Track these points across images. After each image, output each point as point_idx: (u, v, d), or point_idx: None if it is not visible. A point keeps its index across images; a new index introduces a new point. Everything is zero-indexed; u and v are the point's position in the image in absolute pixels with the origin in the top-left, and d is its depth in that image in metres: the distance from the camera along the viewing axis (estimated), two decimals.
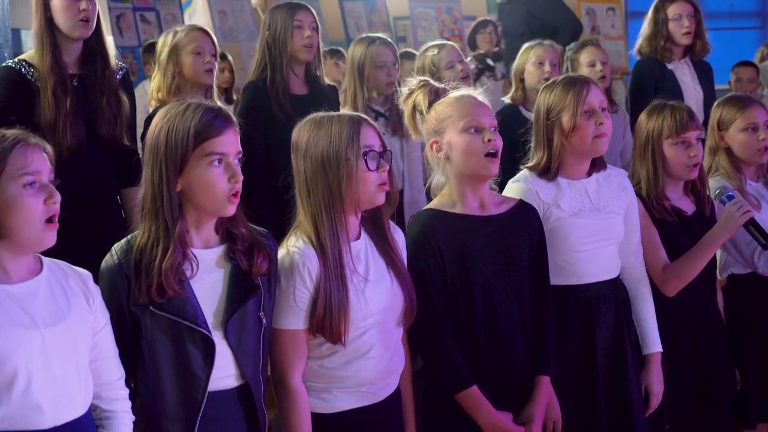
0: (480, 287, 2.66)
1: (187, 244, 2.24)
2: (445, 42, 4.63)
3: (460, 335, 2.65)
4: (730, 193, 3.14)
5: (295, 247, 2.42)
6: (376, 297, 2.46)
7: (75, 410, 2.08)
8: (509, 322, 2.70)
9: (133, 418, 2.24)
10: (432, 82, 2.76)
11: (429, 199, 2.80)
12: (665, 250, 3.15)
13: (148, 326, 2.22)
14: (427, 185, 2.79)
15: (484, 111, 2.66)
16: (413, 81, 2.77)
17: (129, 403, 2.24)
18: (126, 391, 2.24)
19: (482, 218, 2.69)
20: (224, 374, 2.28)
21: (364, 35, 4.45)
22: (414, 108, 2.74)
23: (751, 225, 3.07)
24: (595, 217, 2.94)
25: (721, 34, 8.54)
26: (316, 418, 2.46)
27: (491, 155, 2.62)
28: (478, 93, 2.72)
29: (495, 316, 2.67)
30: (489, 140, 2.61)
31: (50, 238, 2.06)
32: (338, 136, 2.41)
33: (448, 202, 2.70)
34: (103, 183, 3.43)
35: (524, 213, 2.78)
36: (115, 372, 2.22)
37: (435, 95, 2.72)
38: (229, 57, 6.19)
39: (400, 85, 2.91)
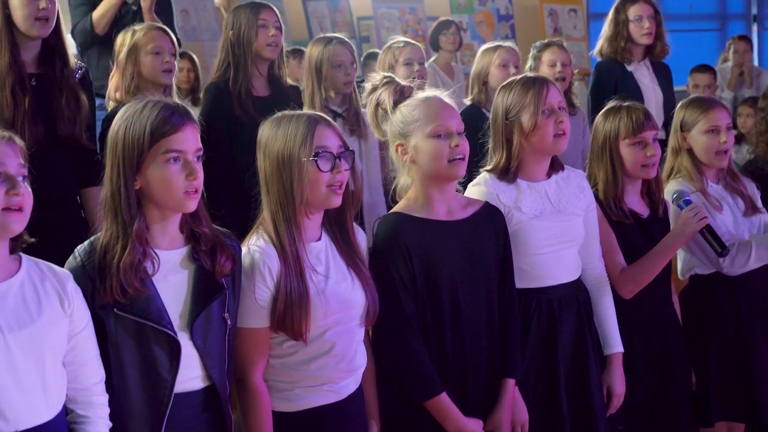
0: (447, 291, 2.65)
1: (147, 242, 2.23)
2: (412, 41, 4.65)
3: (427, 340, 2.64)
4: (687, 198, 3.16)
5: (256, 245, 2.42)
6: (337, 296, 2.47)
7: (40, 416, 2.06)
8: (476, 326, 2.69)
9: (110, 424, 2.22)
10: (397, 79, 2.74)
11: (393, 200, 2.79)
12: (622, 252, 3.17)
13: (113, 328, 2.21)
14: (393, 187, 2.78)
15: (451, 114, 2.65)
16: (377, 77, 2.76)
17: (107, 410, 2.22)
18: (105, 397, 2.22)
19: (450, 222, 2.69)
20: (190, 376, 2.28)
21: (322, 35, 4.45)
22: (377, 105, 2.72)
23: (707, 231, 3.09)
24: (556, 219, 2.95)
25: (681, 36, 8.63)
26: (278, 416, 2.46)
27: (459, 159, 2.61)
28: (444, 95, 2.71)
29: (462, 320, 2.67)
30: (456, 146, 2.60)
31: (12, 227, 2.03)
32: (293, 135, 2.41)
33: (415, 206, 2.69)
34: (63, 183, 3.39)
35: (490, 216, 2.78)
36: (94, 376, 2.20)
37: (400, 94, 2.70)
38: (195, 57, 6.16)
39: (362, 82, 2.90)
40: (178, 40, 4.58)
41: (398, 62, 4.36)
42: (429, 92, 2.70)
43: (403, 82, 2.73)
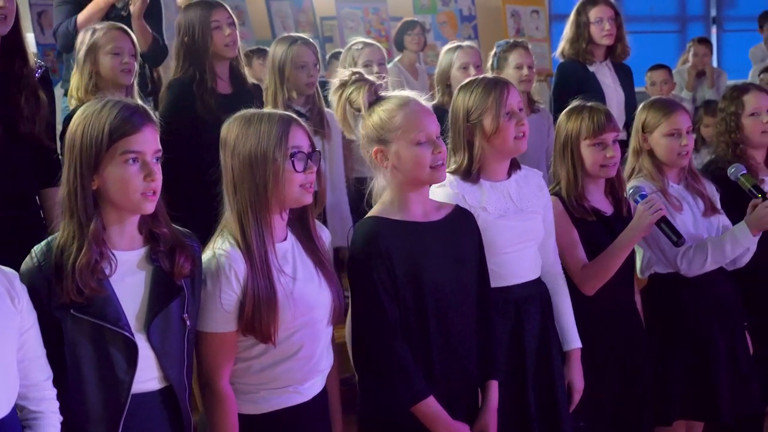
0: (432, 294, 2.62)
1: (104, 242, 2.21)
2: (374, 42, 4.65)
3: (412, 343, 2.60)
4: (643, 193, 3.19)
5: (221, 249, 2.39)
6: (305, 296, 2.46)
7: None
8: (461, 328, 2.68)
9: (61, 418, 2.21)
10: (367, 76, 2.69)
11: (368, 202, 2.76)
12: (586, 250, 3.19)
13: (70, 330, 2.19)
14: (368, 189, 2.74)
15: (431, 119, 2.62)
16: (345, 72, 2.71)
17: (57, 404, 2.21)
18: (54, 392, 2.21)
19: (428, 224, 2.67)
20: (148, 377, 2.26)
21: (286, 34, 4.43)
22: (348, 103, 2.68)
23: (663, 223, 3.12)
24: (519, 218, 2.96)
25: (642, 38, 8.71)
26: (244, 419, 2.45)
27: (439, 165, 2.60)
28: (422, 98, 2.68)
29: (447, 322, 2.64)
30: (438, 152, 2.58)
31: None
32: (267, 135, 2.39)
33: (391, 209, 2.65)
34: (22, 182, 3.36)
35: (463, 217, 2.77)
36: (43, 372, 2.19)
37: (374, 93, 2.66)
38: None
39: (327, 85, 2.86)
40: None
41: (357, 64, 4.33)
42: (404, 95, 2.66)
43: (373, 79, 2.69)
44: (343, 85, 2.69)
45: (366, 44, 4.51)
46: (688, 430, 3.55)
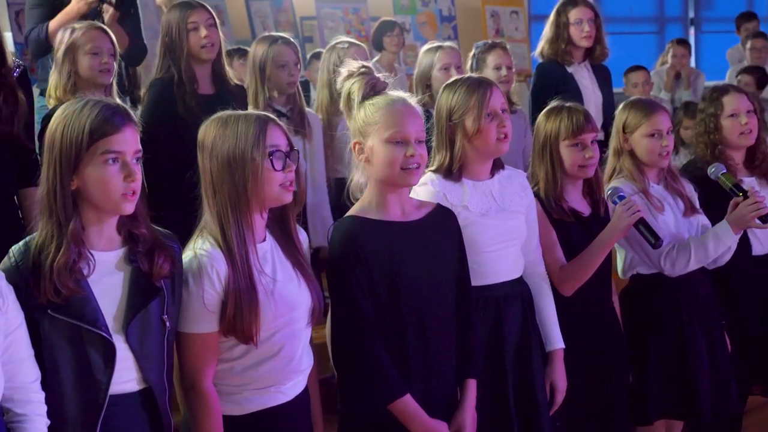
0: (408, 293, 2.62)
1: (82, 242, 2.19)
2: (356, 42, 4.64)
3: (389, 342, 2.60)
4: (622, 194, 3.21)
5: (202, 249, 2.39)
6: (286, 297, 2.46)
7: None
8: (438, 326, 2.68)
9: (48, 422, 2.19)
10: (375, 72, 2.69)
11: (348, 198, 2.76)
12: (564, 250, 3.20)
13: (47, 330, 2.18)
14: (347, 184, 2.75)
15: (413, 121, 2.60)
16: (354, 64, 2.71)
17: (44, 407, 2.19)
18: (42, 395, 2.19)
19: (406, 224, 2.67)
20: (126, 378, 2.25)
21: (267, 34, 4.42)
22: (349, 95, 2.67)
23: (641, 225, 3.13)
24: (501, 217, 2.96)
25: (621, 39, 8.75)
26: (227, 420, 2.44)
27: (412, 168, 2.58)
28: (412, 99, 2.67)
29: (424, 320, 2.64)
30: (411, 155, 2.56)
31: None
32: (244, 135, 2.38)
33: (369, 208, 2.65)
34: (0, 182, 3.34)
35: (444, 216, 2.77)
36: (30, 374, 2.17)
37: (371, 88, 2.65)
38: None
39: (309, 85, 2.86)
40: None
41: (343, 63, 4.32)
42: (397, 94, 2.66)
43: (380, 77, 2.69)
44: (350, 76, 2.69)
45: (351, 44, 4.51)
46: (668, 430, 3.58)
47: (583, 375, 3.19)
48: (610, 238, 3.16)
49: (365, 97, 2.64)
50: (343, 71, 2.71)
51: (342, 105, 2.73)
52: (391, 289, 2.60)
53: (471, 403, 2.76)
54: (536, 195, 3.19)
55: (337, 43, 4.51)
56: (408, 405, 2.59)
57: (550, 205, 3.20)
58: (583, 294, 3.20)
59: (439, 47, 4.60)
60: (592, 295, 3.24)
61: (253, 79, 4.20)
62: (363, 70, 2.68)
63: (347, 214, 2.69)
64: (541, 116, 3.30)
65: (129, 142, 2.22)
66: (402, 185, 2.65)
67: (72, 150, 2.17)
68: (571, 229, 3.21)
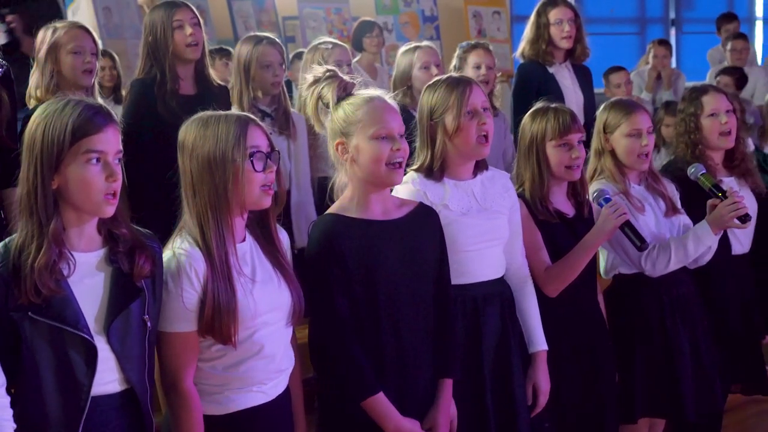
0: (385, 291, 2.63)
1: (63, 243, 2.18)
2: (339, 42, 4.64)
3: (364, 340, 2.61)
4: (607, 196, 3.22)
5: (180, 248, 2.39)
6: (264, 298, 2.45)
7: None
8: (415, 326, 2.69)
9: (14, 426, 2.17)
10: (340, 74, 2.71)
11: (331, 198, 2.76)
12: (549, 251, 3.20)
13: (28, 332, 2.16)
14: (330, 184, 2.76)
15: (394, 117, 2.63)
16: (319, 69, 2.72)
17: (10, 411, 2.17)
18: (7, 399, 2.17)
19: (386, 222, 2.67)
20: (107, 379, 2.24)
21: (252, 34, 4.42)
22: (318, 99, 2.69)
23: (627, 227, 3.15)
24: (483, 217, 2.97)
25: (602, 39, 8.78)
26: (209, 420, 2.44)
27: (398, 164, 2.61)
28: (388, 96, 2.69)
29: (400, 319, 2.65)
30: (397, 149, 2.59)
31: None
32: (225, 136, 2.38)
33: (350, 206, 2.66)
34: None
35: (426, 215, 2.78)
36: None
37: (343, 90, 2.67)
38: (116, 57, 6.06)
39: (292, 85, 2.85)
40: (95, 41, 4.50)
41: (327, 64, 4.31)
42: (372, 92, 2.68)
43: (347, 78, 2.70)
44: (316, 81, 2.70)
45: (335, 44, 4.51)
46: (651, 428, 3.59)
47: (571, 375, 3.21)
48: (595, 240, 3.17)
49: (340, 99, 2.65)
50: (309, 77, 2.72)
51: (309, 110, 2.74)
52: (368, 287, 2.61)
53: (445, 403, 2.76)
54: (522, 196, 3.20)
55: (320, 44, 4.51)
56: (380, 403, 2.60)
57: (536, 207, 3.20)
58: (568, 295, 3.20)
59: (417, 47, 4.61)
60: (578, 295, 3.25)
61: (237, 79, 4.20)
62: (329, 73, 2.69)
63: (327, 211, 2.70)
64: (526, 117, 3.31)
65: (111, 142, 2.21)
66: (387, 184, 2.66)
67: (54, 149, 2.16)
68: (556, 230, 3.22)
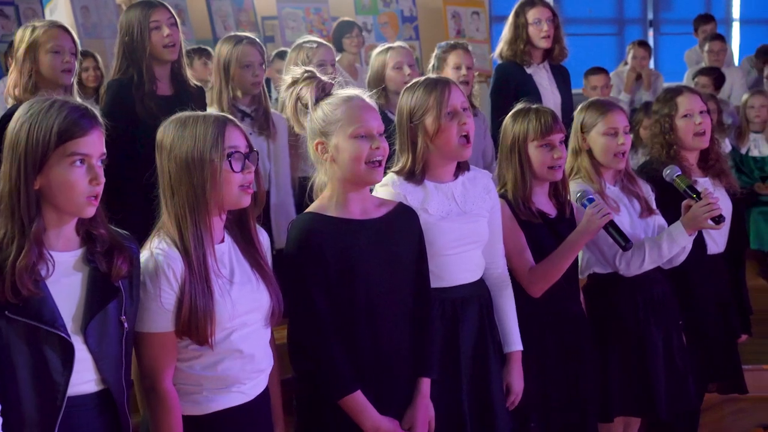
0: (363, 290, 2.63)
1: (43, 243, 2.18)
2: (324, 42, 4.63)
3: (342, 339, 2.62)
4: (591, 197, 3.23)
5: (158, 249, 2.38)
6: (242, 299, 2.46)
7: None
8: (393, 325, 2.70)
9: None
10: (318, 75, 2.71)
11: (310, 197, 2.77)
12: (532, 252, 3.22)
13: (4, 332, 2.15)
14: (310, 184, 2.76)
15: (373, 115, 2.64)
16: (297, 70, 2.73)
17: None
18: None
19: (365, 221, 2.68)
20: (84, 379, 2.23)
21: (232, 33, 4.41)
22: (297, 100, 2.70)
23: (611, 227, 3.17)
24: (462, 220, 2.97)
25: (580, 40, 8.81)
26: (188, 420, 2.44)
27: (378, 162, 2.62)
28: (366, 95, 2.70)
29: (378, 318, 2.66)
30: (376, 148, 2.60)
31: None
32: (203, 136, 2.38)
33: (329, 204, 2.67)
34: None
35: (405, 215, 2.79)
36: None
37: (321, 90, 2.68)
38: (98, 56, 6.04)
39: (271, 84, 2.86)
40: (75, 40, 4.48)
41: (312, 63, 4.30)
42: (351, 91, 2.69)
43: (325, 79, 2.71)
44: (295, 82, 2.71)
45: (320, 44, 4.49)
46: (626, 427, 3.62)
47: (556, 375, 3.23)
48: (579, 240, 3.18)
49: (318, 99, 2.66)
50: (287, 79, 2.73)
51: (288, 112, 2.74)
52: (347, 286, 2.62)
53: (423, 401, 2.78)
54: (504, 197, 3.21)
55: (305, 43, 4.49)
56: (357, 401, 2.62)
57: (519, 207, 3.22)
58: (553, 294, 3.22)
59: (389, 47, 4.61)
60: (562, 295, 3.27)
61: (217, 79, 4.19)
62: (308, 74, 2.70)
63: (306, 210, 2.71)
64: (508, 118, 3.32)
65: (96, 144, 2.21)
66: (367, 182, 2.67)
67: (38, 150, 2.15)
68: (538, 230, 3.24)
